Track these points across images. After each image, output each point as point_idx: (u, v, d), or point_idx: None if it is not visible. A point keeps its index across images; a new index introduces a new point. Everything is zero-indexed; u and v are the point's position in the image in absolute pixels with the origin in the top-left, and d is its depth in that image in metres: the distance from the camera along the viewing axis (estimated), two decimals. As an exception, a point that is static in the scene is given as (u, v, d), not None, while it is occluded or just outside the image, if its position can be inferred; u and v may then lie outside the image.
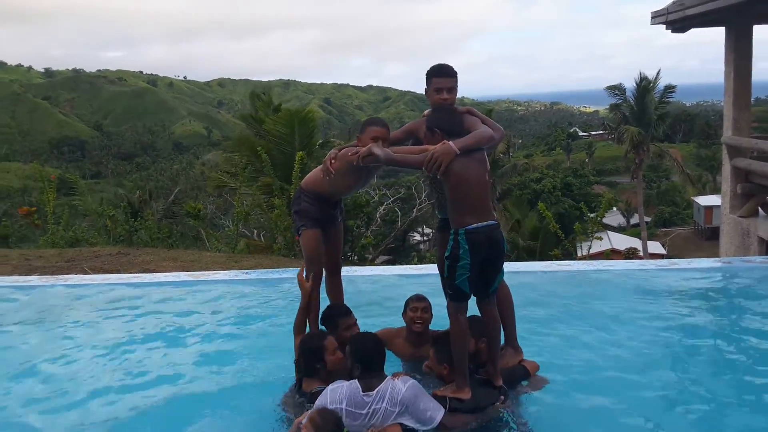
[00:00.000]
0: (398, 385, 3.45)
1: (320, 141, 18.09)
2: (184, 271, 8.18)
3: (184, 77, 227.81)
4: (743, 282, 6.69)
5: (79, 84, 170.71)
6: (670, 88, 38.16)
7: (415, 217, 19.87)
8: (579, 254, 10.84)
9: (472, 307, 3.76)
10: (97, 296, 6.75)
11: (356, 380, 3.49)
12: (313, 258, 4.56)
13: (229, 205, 17.37)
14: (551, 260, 9.30)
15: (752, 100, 10.52)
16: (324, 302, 4.71)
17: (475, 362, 3.85)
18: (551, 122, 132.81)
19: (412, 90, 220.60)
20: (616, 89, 38.55)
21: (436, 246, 4.66)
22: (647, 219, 49.30)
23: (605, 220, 41.58)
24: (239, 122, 20.31)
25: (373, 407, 3.40)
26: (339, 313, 4.24)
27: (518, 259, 20.84)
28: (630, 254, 32.54)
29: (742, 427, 3.83)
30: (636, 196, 43.48)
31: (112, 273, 8.27)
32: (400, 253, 22.19)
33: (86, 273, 8.32)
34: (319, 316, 4.32)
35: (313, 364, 3.79)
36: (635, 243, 39.74)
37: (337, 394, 3.43)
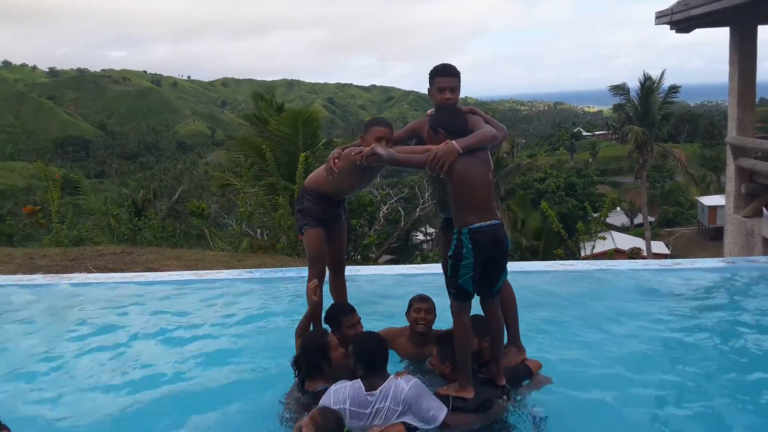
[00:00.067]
0: (401, 384, 3.45)
1: (324, 141, 18.09)
2: (187, 270, 8.20)
3: (188, 77, 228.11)
4: (747, 282, 6.67)
5: (84, 83, 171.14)
6: (674, 88, 38.03)
7: (418, 216, 19.85)
8: (582, 254, 10.83)
9: (476, 307, 3.77)
10: (101, 295, 6.76)
11: (359, 380, 3.49)
12: (316, 257, 4.57)
13: (233, 205, 17.39)
14: (554, 260, 9.29)
15: (757, 100, 10.50)
16: (327, 301, 4.72)
17: (478, 361, 3.86)
18: (555, 122, 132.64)
19: (415, 90, 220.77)
20: (620, 89, 38.46)
21: (440, 245, 4.67)
22: (651, 219, 49.18)
23: (609, 220, 41.55)
24: (243, 122, 20.27)
25: (376, 406, 3.41)
26: (343, 311, 4.25)
27: (521, 258, 20.82)
28: (633, 254, 32.52)
29: (745, 426, 3.82)
30: (640, 196, 43.42)
31: (116, 272, 8.29)
32: (403, 252, 22.19)
33: (90, 272, 8.34)
34: (323, 315, 4.33)
35: (317, 362, 3.80)
36: (639, 243, 39.66)
37: (341, 394, 3.43)
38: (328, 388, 3.56)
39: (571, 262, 8.04)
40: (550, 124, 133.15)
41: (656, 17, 10.14)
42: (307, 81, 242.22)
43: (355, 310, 4.27)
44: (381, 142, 3.97)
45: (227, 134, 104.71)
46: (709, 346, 5.06)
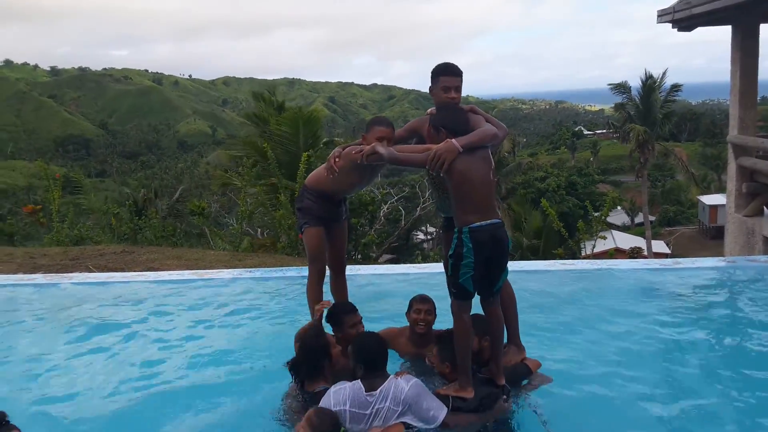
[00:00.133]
0: (401, 384, 3.45)
1: (325, 140, 18.09)
2: (188, 269, 8.19)
3: (189, 76, 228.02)
4: (748, 281, 6.66)
5: (85, 82, 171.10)
6: (676, 87, 37.98)
7: (419, 215, 19.85)
8: (583, 253, 10.81)
9: (476, 307, 3.76)
10: (101, 294, 6.76)
11: (359, 380, 3.49)
12: (316, 256, 4.57)
13: (233, 204, 17.39)
14: (555, 259, 9.28)
15: (758, 98, 10.48)
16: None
17: (478, 361, 3.85)
18: (556, 121, 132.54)
19: (416, 89, 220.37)
20: (621, 88, 38.43)
21: (441, 245, 4.67)
22: (652, 218, 49.18)
23: (609, 219, 41.53)
24: (244, 121, 20.27)
25: (376, 407, 3.40)
26: (345, 310, 4.24)
27: (522, 258, 20.82)
28: (634, 253, 32.52)
29: (745, 425, 3.81)
30: (641, 195, 43.39)
31: (116, 271, 8.29)
32: (404, 252, 22.20)
33: (91, 271, 8.34)
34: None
35: (319, 362, 3.80)
36: (639, 242, 39.65)
37: (341, 395, 3.43)
38: (328, 388, 3.55)
39: (571, 261, 8.03)
40: (551, 123, 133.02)
41: (658, 16, 10.12)
42: (308, 80, 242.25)
43: (357, 310, 4.26)
44: (382, 141, 3.97)
45: (228, 133, 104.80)
46: (710, 346, 5.06)
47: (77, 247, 10.77)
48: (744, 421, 3.86)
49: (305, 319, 4.90)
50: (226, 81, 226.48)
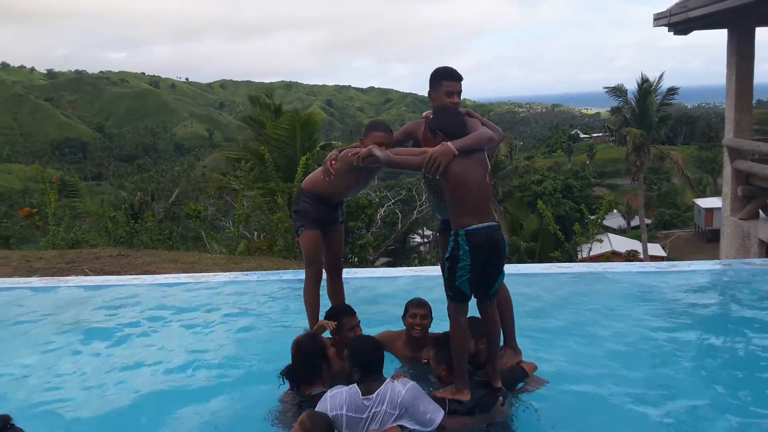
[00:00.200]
0: (398, 388, 3.44)
1: (322, 143, 18.09)
2: (184, 272, 8.17)
3: (186, 79, 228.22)
4: (743, 284, 6.67)
5: (82, 85, 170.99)
6: (672, 90, 38.13)
7: (416, 218, 19.84)
8: (579, 256, 10.83)
9: (473, 309, 3.76)
10: (97, 298, 6.74)
11: (355, 385, 3.48)
12: (313, 258, 4.57)
13: (230, 207, 17.37)
14: (551, 262, 9.29)
15: (754, 102, 10.52)
16: (324, 303, 4.72)
17: (475, 364, 3.85)
18: (552, 124, 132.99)
19: (413, 92, 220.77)
20: (617, 91, 38.55)
21: (438, 248, 4.67)
22: (648, 221, 49.29)
23: (606, 222, 41.58)
24: (241, 124, 20.27)
25: (372, 410, 3.39)
26: (344, 312, 4.24)
27: (519, 261, 20.82)
28: (630, 256, 32.51)
29: (742, 426, 3.82)
30: (637, 198, 43.44)
31: (112, 275, 8.27)
32: (401, 255, 22.16)
33: (87, 274, 8.32)
34: (320, 317, 4.33)
35: (316, 364, 3.80)
36: (636, 245, 39.68)
37: (337, 399, 3.42)
38: (325, 391, 3.55)
39: (567, 264, 8.03)
40: (547, 126, 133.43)
41: (654, 19, 10.16)
42: (305, 83, 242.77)
43: (356, 313, 4.26)
44: (382, 146, 3.98)
45: (225, 136, 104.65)
46: (706, 349, 5.07)
47: (73, 250, 10.74)
48: (741, 422, 3.86)
49: (302, 322, 4.90)
50: (223, 84, 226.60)
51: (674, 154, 47.90)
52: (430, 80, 3.95)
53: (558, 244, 12.00)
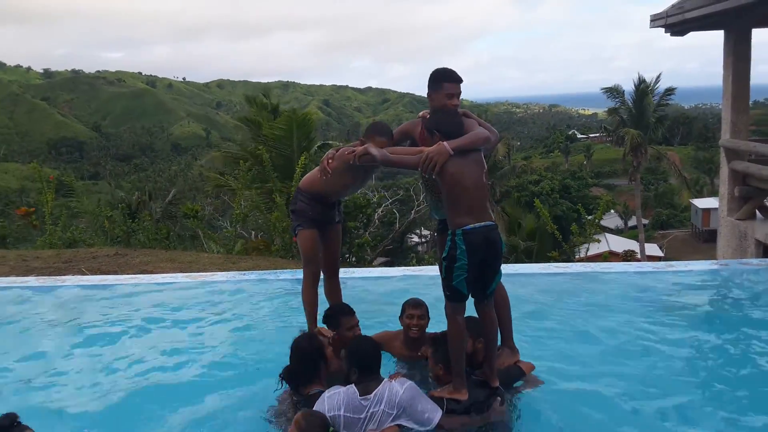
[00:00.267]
0: (395, 387, 3.45)
1: (319, 143, 18.10)
2: (181, 272, 8.16)
3: (183, 78, 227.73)
4: (740, 284, 6.70)
5: (78, 85, 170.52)
6: (670, 91, 38.21)
7: (413, 218, 19.87)
8: (577, 256, 10.85)
9: (470, 309, 3.76)
10: (94, 297, 6.73)
11: (353, 385, 3.48)
12: (310, 258, 4.57)
13: (227, 207, 17.36)
14: (549, 262, 9.30)
15: (750, 103, 10.54)
16: (322, 304, 4.71)
17: (472, 363, 3.85)
18: (550, 124, 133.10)
19: (411, 92, 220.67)
20: (614, 91, 38.59)
21: (436, 248, 4.68)
22: (645, 221, 49.33)
23: (603, 223, 41.58)
24: (239, 124, 20.27)
25: (370, 410, 3.40)
26: (342, 312, 4.25)
27: (517, 261, 20.84)
28: (627, 256, 32.53)
29: (739, 426, 3.83)
30: (634, 198, 43.54)
31: (109, 274, 8.26)
32: (398, 254, 22.17)
33: (84, 274, 8.31)
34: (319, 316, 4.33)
35: (315, 364, 3.80)
36: (633, 245, 39.69)
37: (335, 400, 3.42)
38: (322, 391, 3.55)
39: (565, 264, 8.05)
40: (545, 127, 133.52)
41: (651, 20, 10.17)
42: (302, 83, 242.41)
43: (354, 312, 4.26)
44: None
45: (222, 136, 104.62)
46: (702, 348, 5.08)
47: (70, 249, 10.72)
48: (738, 421, 3.88)
49: (299, 321, 4.90)
50: (220, 84, 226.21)
51: (671, 154, 48.02)
52: (430, 81, 3.96)
53: (556, 244, 12.03)
